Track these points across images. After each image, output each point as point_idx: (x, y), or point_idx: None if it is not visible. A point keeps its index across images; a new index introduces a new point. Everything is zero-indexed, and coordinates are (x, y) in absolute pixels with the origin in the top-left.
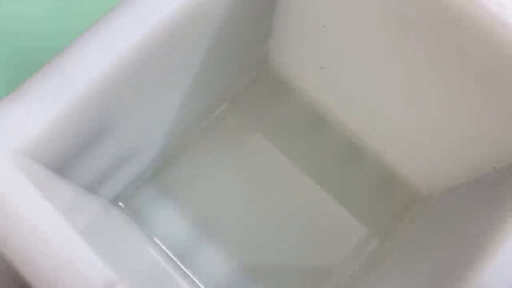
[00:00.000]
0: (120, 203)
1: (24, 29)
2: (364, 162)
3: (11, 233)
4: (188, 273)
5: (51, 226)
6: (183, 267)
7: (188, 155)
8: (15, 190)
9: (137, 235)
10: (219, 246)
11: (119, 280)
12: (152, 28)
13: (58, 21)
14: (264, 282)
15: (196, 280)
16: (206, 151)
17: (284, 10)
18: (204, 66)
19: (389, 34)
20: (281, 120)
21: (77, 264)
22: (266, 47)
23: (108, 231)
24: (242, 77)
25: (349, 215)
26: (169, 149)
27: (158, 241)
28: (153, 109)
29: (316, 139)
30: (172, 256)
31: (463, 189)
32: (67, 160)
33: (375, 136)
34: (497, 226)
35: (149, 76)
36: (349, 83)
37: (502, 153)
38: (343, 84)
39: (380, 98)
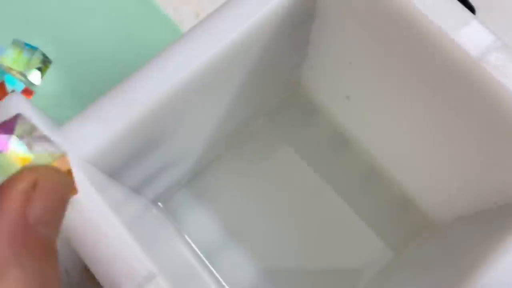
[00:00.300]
0: (159, 203)
1: (101, 55)
2: (382, 184)
3: (79, 228)
4: (214, 271)
5: (107, 223)
6: (209, 266)
7: (223, 163)
8: (82, 193)
9: (172, 233)
10: (245, 249)
11: (158, 273)
12: (203, 60)
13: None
14: (284, 284)
15: (221, 279)
16: (239, 161)
17: (317, 44)
18: (245, 87)
19: (407, 80)
20: (309, 138)
21: (127, 257)
22: (299, 73)
23: (148, 227)
24: (276, 97)
25: (367, 229)
26: (206, 157)
27: (189, 240)
28: (198, 125)
29: (339, 159)
30: (201, 255)
31: (467, 219)
32: (121, 166)
33: (392, 163)
34: (493, 252)
35: (199, 98)
36: (371, 114)
37: (501, 192)
38: (365, 113)
39: (397, 131)
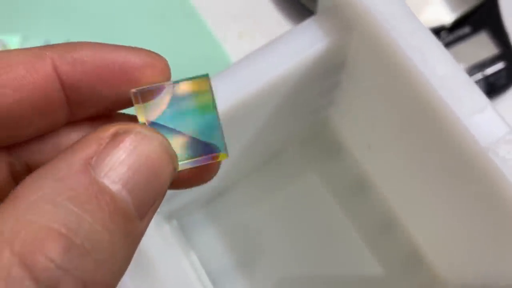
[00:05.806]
0: (174, 220)
1: None
2: (395, 235)
3: None
4: None
5: None
6: None
7: (247, 184)
8: None
9: (181, 251)
10: (251, 279)
11: None
12: (248, 90)
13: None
14: None
15: None
16: (264, 182)
17: (345, 91)
18: (278, 118)
19: (422, 150)
20: (334, 172)
21: None
22: (327, 112)
23: (155, 242)
24: (307, 131)
25: (377, 278)
26: (229, 178)
27: (197, 260)
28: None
29: (359, 198)
30: (206, 277)
31: None
32: None
33: (407, 215)
34: None
35: (236, 122)
36: (390, 166)
37: (503, 273)
38: (385, 165)
39: (412, 189)
